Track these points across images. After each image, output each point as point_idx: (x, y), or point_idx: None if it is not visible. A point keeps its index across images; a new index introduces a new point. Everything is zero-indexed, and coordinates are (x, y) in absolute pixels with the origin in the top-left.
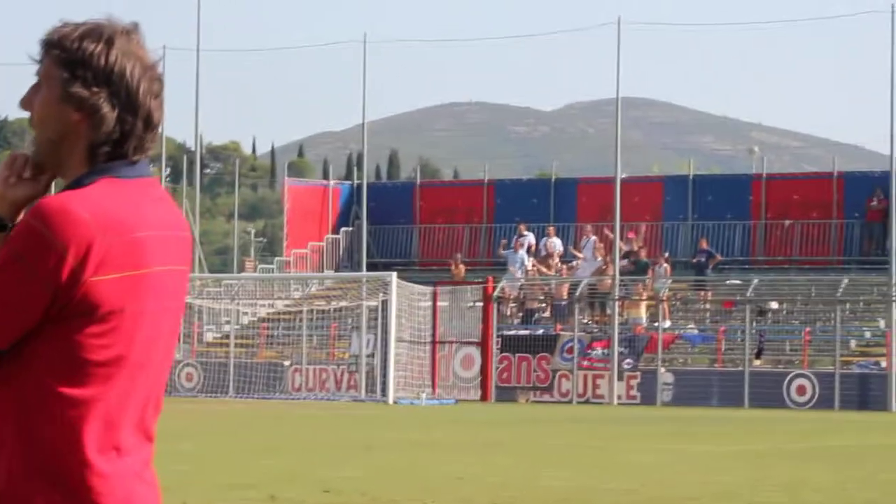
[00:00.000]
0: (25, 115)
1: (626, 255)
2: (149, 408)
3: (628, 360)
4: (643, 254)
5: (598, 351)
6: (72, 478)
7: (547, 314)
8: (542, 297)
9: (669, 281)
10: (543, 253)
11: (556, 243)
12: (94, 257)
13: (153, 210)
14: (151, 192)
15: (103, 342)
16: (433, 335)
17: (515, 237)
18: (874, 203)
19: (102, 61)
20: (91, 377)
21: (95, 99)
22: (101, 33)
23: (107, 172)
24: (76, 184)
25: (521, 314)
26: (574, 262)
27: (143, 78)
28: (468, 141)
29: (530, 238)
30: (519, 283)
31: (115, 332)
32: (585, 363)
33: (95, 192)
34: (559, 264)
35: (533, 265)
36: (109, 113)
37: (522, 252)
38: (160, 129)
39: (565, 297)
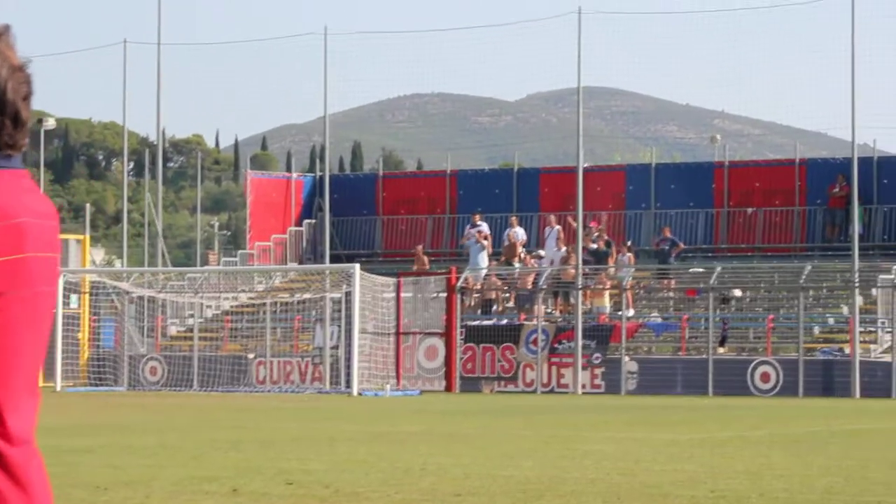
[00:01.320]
0: None
1: (594, 251)
2: (26, 390)
3: (597, 355)
4: (601, 244)
5: (566, 344)
6: None
7: (511, 304)
8: (505, 288)
9: (633, 269)
10: (507, 243)
11: (518, 233)
12: None
13: (27, 199)
14: (23, 183)
15: None
16: (397, 326)
17: (469, 226)
18: (836, 190)
19: None
20: None
21: None
22: None
23: None
24: None
25: (485, 305)
26: (538, 252)
27: (10, 79)
28: (431, 132)
29: (484, 228)
30: (483, 274)
31: None
32: (555, 359)
33: None
34: (523, 254)
35: (496, 256)
36: None
37: (483, 241)
38: (30, 126)
39: (529, 287)
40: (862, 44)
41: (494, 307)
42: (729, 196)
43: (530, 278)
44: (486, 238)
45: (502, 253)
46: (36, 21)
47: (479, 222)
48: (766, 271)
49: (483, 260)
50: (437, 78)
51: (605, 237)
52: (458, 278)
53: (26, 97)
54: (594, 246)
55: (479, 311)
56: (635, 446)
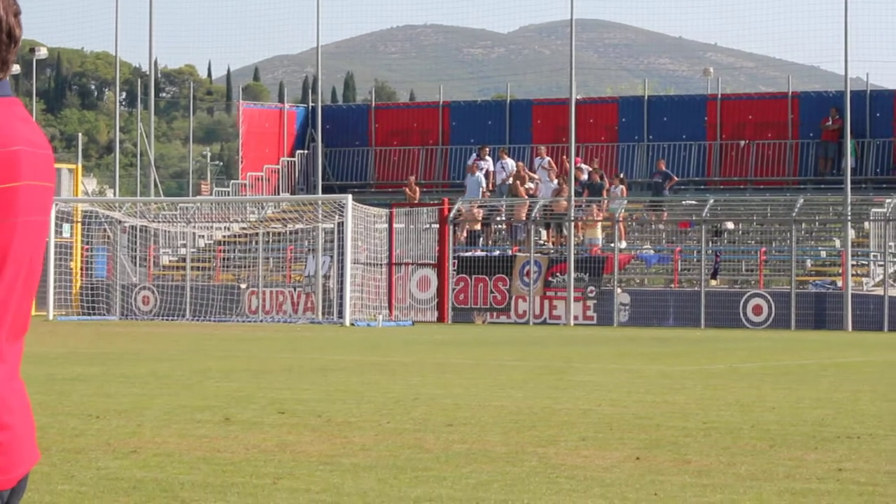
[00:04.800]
0: None
1: (587, 184)
2: (19, 316)
3: (591, 288)
4: (595, 177)
5: (560, 278)
6: None
7: (504, 236)
8: (499, 219)
9: (625, 202)
10: (519, 173)
11: (509, 164)
12: None
13: (21, 127)
14: (16, 111)
15: None
16: (389, 257)
17: (474, 158)
18: (829, 123)
19: None
20: None
21: None
22: None
23: None
24: None
25: (478, 236)
26: (532, 184)
27: None
28: (424, 63)
29: (489, 164)
30: (476, 205)
31: None
32: (550, 293)
33: None
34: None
35: (494, 187)
36: None
37: (480, 175)
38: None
39: (522, 218)
40: None
41: (481, 240)
42: (721, 129)
43: (523, 210)
44: (484, 172)
45: (512, 183)
46: None
47: (486, 157)
48: (759, 204)
49: (478, 192)
50: (430, 9)
51: (595, 172)
52: (450, 209)
53: (17, 14)
54: (586, 177)
55: (478, 242)
56: (627, 378)
